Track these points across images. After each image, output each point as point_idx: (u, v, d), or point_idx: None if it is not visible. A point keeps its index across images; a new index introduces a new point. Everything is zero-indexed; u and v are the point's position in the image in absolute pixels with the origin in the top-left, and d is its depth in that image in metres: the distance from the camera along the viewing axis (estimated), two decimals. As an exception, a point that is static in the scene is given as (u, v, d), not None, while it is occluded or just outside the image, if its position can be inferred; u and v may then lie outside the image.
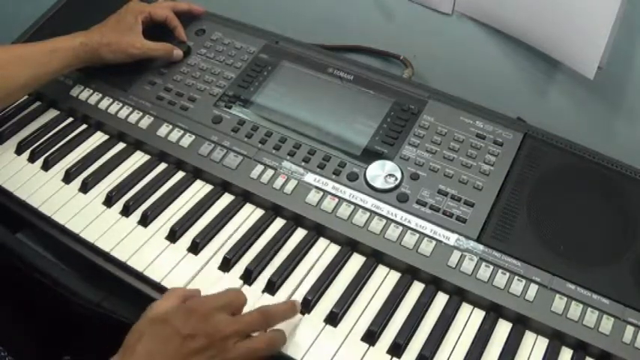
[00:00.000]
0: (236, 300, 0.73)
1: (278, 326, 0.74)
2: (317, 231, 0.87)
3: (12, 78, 0.94)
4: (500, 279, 0.79)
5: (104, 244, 0.85)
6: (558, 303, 0.77)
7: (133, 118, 1.00)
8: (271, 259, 0.84)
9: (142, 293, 0.81)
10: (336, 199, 0.88)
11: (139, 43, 1.02)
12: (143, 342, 0.66)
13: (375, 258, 0.84)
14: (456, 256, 0.82)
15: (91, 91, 1.04)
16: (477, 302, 0.79)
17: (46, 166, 0.95)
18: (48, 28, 1.14)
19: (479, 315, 0.79)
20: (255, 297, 0.79)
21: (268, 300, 0.79)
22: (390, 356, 0.75)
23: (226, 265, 0.83)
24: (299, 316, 0.77)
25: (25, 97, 1.04)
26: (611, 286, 0.78)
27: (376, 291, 0.81)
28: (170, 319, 0.67)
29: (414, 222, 0.85)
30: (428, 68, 1.18)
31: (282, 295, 0.80)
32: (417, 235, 0.84)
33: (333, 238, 0.86)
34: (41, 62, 0.96)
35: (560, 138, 0.92)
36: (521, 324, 0.77)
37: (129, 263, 0.83)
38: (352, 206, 0.87)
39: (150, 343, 0.66)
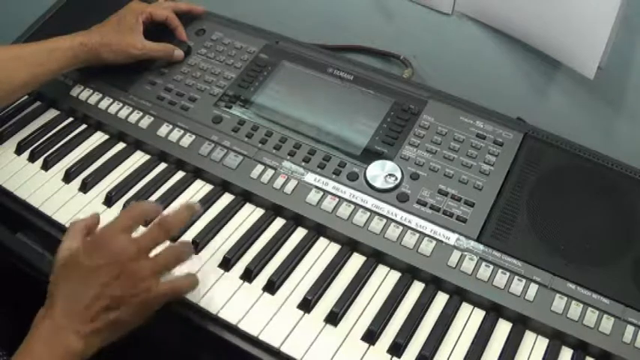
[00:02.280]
0: (134, 214, 0.74)
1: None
2: (317, 231, 0.87)
3: (11, 78, 0.94)
4: (501, 279, 0.79)
5: (104, 244, 0.85)
6: (558, 303, 0.77)
7: (133, 118, 1.00)
8: (271, 258, 0.84)
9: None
10: (336, 199, 0.88)
11: (139, 44, 1.02)
12: (60, 288, 0.69)
13: (375, 258, 0.84)
14: (456, 255, 0.82)
15: (91, 91, 1.04)
16: (477, 302, 0.79)
17: (46, 166, 0.95)
18: (48, 28, 1.14)
19: (479, 315, 0.79)
20: (256, 296, 0.79)
21: (268, 300, 0.79)
22: (390, 356, 0.75)
23: (226, 264, 0.83)
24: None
25: (25, 97, 1.04)
26: (611, 285, 0.78)
27: (376, 291, 0.81)
28: (78, 259, 0.70)
29: (414, 222, 0.85)
30: (428, 68, 1.18)
31: (282, 295, 0.80)
32: (417, 234, 0.84)
33: (333, 237, 0.86)
34: (40, 62, 0.96)
35: (560, 138, 0.92)
36: (521, 324, 0.77)
37: (129, 263, 0.83)
38: (352, 206, 0.87)
39: (67, 285, 0.69)
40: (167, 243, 0.77)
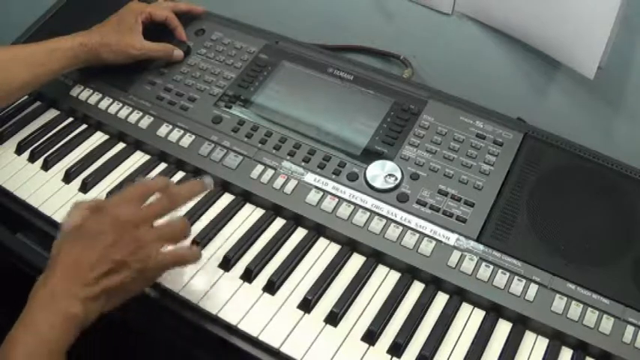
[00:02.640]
0: (137, 190, 0.74)
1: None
2: (317, 231, 0.87)
3: (11, 78, 0.94)
4: (501, 279, 0.79)
5: (104, 244, 0.85)
6: (558, 303, 0.77)
7: (133, 118, 1.00)
8: (271, 258, 0.84)
9: (143, 293, 0.81)
10: (336, 199, 0.88)
11: (138, 44, 1.02)
12: (63, 252, 0.69)
13: (375, 258, 0.84)
14: (456, 256, 0.82)
15: (91, 91, 1.04)
16: (477, 302, 0.80)
17: (46, 166, 0.95)
18: (48, 28, 1.14)
19: (479, 315, 0.79)
20: (256, 296, 0.79)
21: (268, 300, 0.79)
22: (390, 356, 0.75)
23: (227, 264, 0.83)
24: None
25: (25, 97, 1.04)
26: (611, 286, 0.78)
27: (376, 291, 0.81)
28: (82, 224, 0.70)
29: (414, 222, 0.85)
30: (428, 68, 1.18)
31: (282, 295, 0.80)
32: (417, 235, 0.84)
33: (333, 238, 0.86)
34: (40, 62, 0.96)
35: (560, 138, 0.92)
36: (521, 324, 0.77)
37: (129, 263, 0.83)
38: (352, 206, 0.87)
39: (68, 250, 0.69)
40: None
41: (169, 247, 0.73)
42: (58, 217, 0.88)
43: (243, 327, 0.76)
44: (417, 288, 0.81)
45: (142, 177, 0.82)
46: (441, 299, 0.80)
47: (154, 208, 0.73)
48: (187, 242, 0.78)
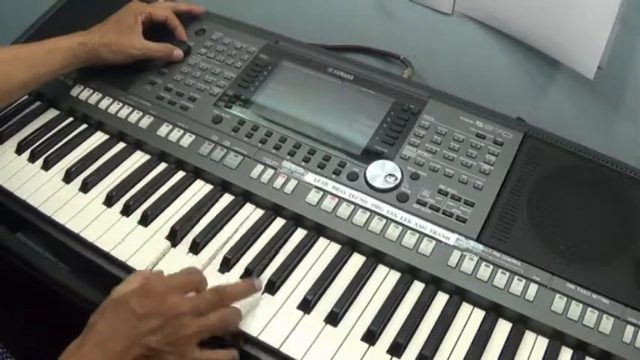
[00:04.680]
0: (194, 279, 0.75)
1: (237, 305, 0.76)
2: (317, 231, 0.87)
3: (11, 77, 0.94)
4: (500, 279, 0.79)
5: (104, 244, 0.85)
6: (558, 303, 0.77)
7: (133, 117, 1.00)
8: (271, 259, 0.84)
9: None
10: (336, 199, 0.88)
11: (138, 44, 1.02)
12: (102, 322, 0.69)
13: (375, 258, 0.84)
14: (455, 255, 0.82)
15: (91, 91, 1.04)
16: (477, 302, 0.79)
17: (46, 166, 0.95)
18: (48, 28, 1.15)
19: (479, 315, 0.79)
20: (256, 297, 0.79)
21: (268, 300, 0.79)
22: (390, 356, 0.75)
23: (226, 264, 0.83)
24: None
25: (25, 97, 1.04)
26: (611, 285, 0.78)
27: (376, 291, 0.81)
28: (128, 301, 0.70)
29: (414, 222, 0.85)
30: (428, 68, 1.18)
31: (282, 295, 0.80)
32: (417, 234, 0.84)
33: (333, 237, 0.86)
34: (40, 62, 0.96)
35: (560, 138, 0.92)
36: (521, 324, 0.77)
37: (129, 263, 0.83)
38: (352, 206, 0.87)
39: (108, 323, 0.68)
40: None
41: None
42: (58, 217, 0.88)
43: (243, 327, 0.76)
44: (417, 288, 0.81)
45: (195, 268, 0.80)
46: (441, 299, 0.80)
47: (202, 303, 0.72)
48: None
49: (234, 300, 0.75)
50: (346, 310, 0.78)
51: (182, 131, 0.97)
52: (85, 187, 0.92)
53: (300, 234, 0.87)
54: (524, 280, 0.79)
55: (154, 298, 0.70)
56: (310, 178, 0.90)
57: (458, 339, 0.76)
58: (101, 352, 0.66)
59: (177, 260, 0.84)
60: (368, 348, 0.75)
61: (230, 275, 0.82)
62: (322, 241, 0.86)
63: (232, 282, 0.78)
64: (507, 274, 0.80)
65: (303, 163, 0.92)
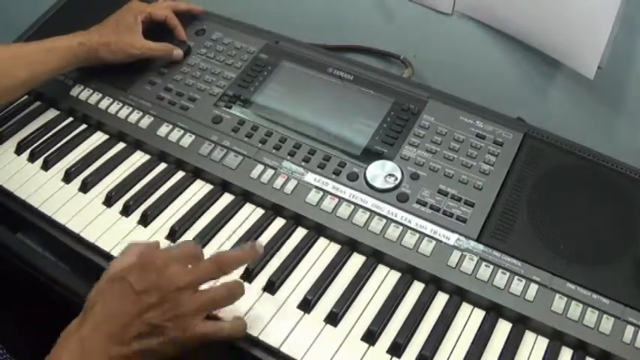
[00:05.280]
0: (191, 251, 0.72)
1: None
2: (317, 231, 0.87)
3: (10, 76, 0.94)
4: (501, 279, 0.79)
5: (104, 244, 0.85)
6: (558, 303, 0.77)
7: (133, 117, 1.00)
8: (271, 258, 0.84)
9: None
10: (336, 199, 0.88)
11: (138, 43, 1.02)
12: (101, 301, 0.67)
13: (375, 258, 0.84)
14: (456, 255, 0.82)
15: (91, 91, 1.04)
16: (476, 302, 0.79)
17: (46, 166, 0.95)
18: (48, 28, 1.14)
19: (479, 315, 0.79)
20: (256, 296, 0.79)
21: (269, 300, 0.79)
22: (390, 356, 0.75)
23: (226, 264, 0.83)
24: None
25: (25, 96, 1.04)
26: (611, 285, 0.78)
27: (376, 291, 0.81)
28: (126, 276, 0.68)
29: (414, 222, 0.85)
30: (428, 68, 1.18)
31: (282, 295, 0.80)
32: (417, 234, 0.84)
33: (333, 237, 0.86)
34: (39, 61, 0.96)
35: (560, 138, 0.92)
36: (521, 324, 0.77)
37: (129, 263, 0.83)
38: (352, 206, 0.87)
39: (107, 301, 0.67)
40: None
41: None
42: (58, 217, 0.88)
43: (243, 327, 0.76)
44: (417, 288, 0.81)
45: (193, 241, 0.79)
46: (441, 299, 0.80)
47: (201, 274, 0.70)
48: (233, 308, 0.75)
49: (235, 267, 0.73)
50: (346, 310, 0.78)
51: (182, 131, 0.97)
52: (85, 187, 0.92)
53: (300, 234, 0.87)
54: (524, 280, 0.79)
55: (151, 273, 0.68)
56: (310, 178, 0.90)
57: (458, 339, 0.76)
58: (101, 332, 0.65)
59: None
60: (368, 348, 0.75)
61: (230, 275, 0.82)
62: (322, 241, 0.86)
63: (231, 250, 0.76)
64: (507, 274, 0.80)
65: (303, 163, 0.92)
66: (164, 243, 0.85)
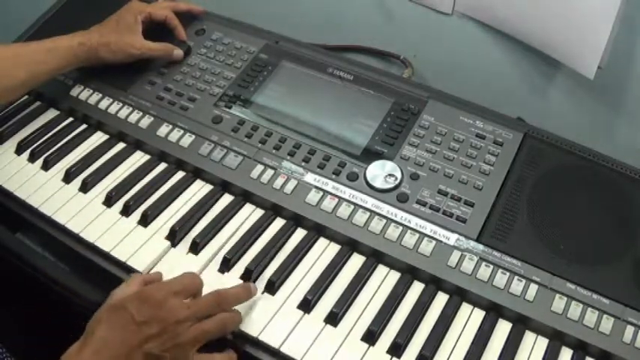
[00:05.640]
0: (192, 284, 0.74)
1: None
2: (317, 231, 0.87)
3: (10, 76, 0.94)
4: (501, 279, 0.79)
5: (104, 244, 0.85)
6: (558, 303, 0.77)
7: (133, 118, 1.00)
8: (271, 259, 0.84)
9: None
10: (336, 199, 0.88)
11: (138, 43, 1.02)
12: (101, 328, 0.68)
13: (375, 258, 0.84)
14: (455, 255, 0.82)
15: (91, 91, 1.04)
16: (477, 302, 0.79)
17: (46, 166, 0.95)
18: (48, 28, 1.14)
19: (479, 315, 0.79)
20: (256, 297, 0.79)
21: (269, 300, 0.79)
22: (390, 356, 0.75)
23: (226, 265, 0.83)
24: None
25: (25, 97, 1.04)
26: (611, 285, 0.78)
27: (376, 291, 0.81)
28: (127, 306, 0.69)
29: (414, 222, 0.85)
30: (428, 68, 1.18)
31: (282, 295, 0.80)
32: (417, 234, 0.84)
33: (333, 238, 0.86)
34: (40, 61, 0.96)
35: (560, 138, 0.92)
36: (521, 324, 0.77)
37: (129, 263, 0.83)
38: (352, 206, 0.87)
39: (107, 329, 0.68)
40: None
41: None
42: (58, 217, 0.88)
43: (243, 327, 0.76)
44: (417, 288, 0.81)
45: (193, 273, 0.78)
46: (441, 299, 0.80)
47: (199, 309, 0.72)
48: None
49: (232, 304, 0.76)
50: (346, 310, 0.78)
51: (182, 131, 0.97)
52: (85, 187, 0.92)
53: (300, 234, 0.87)
54: (524, 280, 0.79)
55: (152, 305, 0.69)
56: (310, 178, 0.90)
57: (458, 339, 0.76)
58: (101, 357, 0.66)
59: (177, 260, 0.84)
60: (368, 348, 0.75)
61: (230, 275, 0.82)
62: (322, 241, 0.86)
63: (229, 286, 0.78)
64: (507, 274, 0.80)
65: (303, 163, 0.92)
66: (164, 244, 0.85)
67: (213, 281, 0.80)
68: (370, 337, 0.76)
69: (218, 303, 0.74)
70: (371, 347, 0.75)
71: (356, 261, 0.84)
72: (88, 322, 0.70)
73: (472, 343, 0.76)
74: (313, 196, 0.88)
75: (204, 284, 0.76)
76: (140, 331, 0.67)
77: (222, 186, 0.92)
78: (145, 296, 0.70)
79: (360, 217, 0.85)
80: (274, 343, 0.75)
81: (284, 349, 0.74)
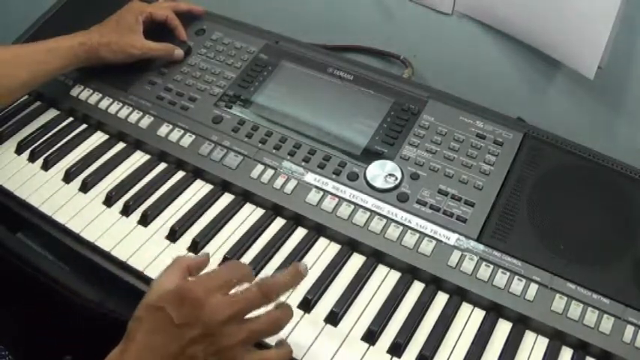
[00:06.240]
0: (237, 274, 0.67)
1: None
2: (317, 231, 0.87)
3: (11, 77, 0.94)
4: (501, 279, 0.79)
5: (104, 244, 0.85)
6: (558, 302, 0.77)
7: (133, 117, 1.00)
8: (271, 258, 0.84)
9: (142, 292, 0.81)
10: (336, 199, 0.88)
11: (139, 43, 1.02)
12: (141, 331, 0.63)
13: (375, 258, 0.84)
14: (456, 255, 0.82)
15: (91, 91, 1.04)
16: (477, 302, 0.79)
17: (46, 166, 0.95)
18: (48, 28, 1.14)
19: (479, 315, 0.79)
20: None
21: (268, 300, 0.79)
22: (390, 356, 0.75)
23: (226, 264, 0.83)
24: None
25: (25, 97, 1.04)
26: (611, 285, 0.78)
27: (376, 291, 0.81)
28: (165, 307, 0.63)
29: (414, 222, 0.85)
30: (428, 68, 1.18)
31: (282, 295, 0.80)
32: (417, 234, 0.84)
33: (333, 237, 0.86)
34: (40, 61, 0.96)
35: (560, 138, 0.92)
36: (522, 324, 0.77)
37: (129, 263, 0.83)
38: (352, 206, 0.87)
39: (147, 333, 0.63)
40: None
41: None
42: (58, 217, 0.88)
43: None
44: (417, 288, 0.81)
45: (235, 261, 0.74)
46: (441, 299, 0.80)
47: (245, 305, 0.65)
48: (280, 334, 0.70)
49: (281, 293, 0.67)
50: (346, 310, 0.78)
51: (182, 131, 0.97)
52: (85, 187, 0.92)
53: (300, 234, 0.87)
54: (524, 280, 0.79)
55: (192, 305, 0.62)
56: (310, 178, 0.90)
57: (458, 339, 0.76)
58: None
59: (178, 260, 0.84)
60: (368, 348, 0.75)
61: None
62: (322, 241, 0.86)
63: (274, 274, 0.71)
64: (507, 274, 0.80)
65: (303, 163, 0.92)
66: (164, 243, 0.85)
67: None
68: (370, 336, 0.76)
69: (264, 294, 0.65)
70: (371, 347, 0.75)
71: (356, 261, 0.84)
72: (87, 322, 0.69)
73: (472, 342, 0.76)
74: (313, 196, 0.88)
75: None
76: (181, 335, 0.62)
77: (222, 186, 0.92)
78: (183, 295, 0.63)
79: (361, 217, 0.86)
80: (274, 343, 0.75)
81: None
